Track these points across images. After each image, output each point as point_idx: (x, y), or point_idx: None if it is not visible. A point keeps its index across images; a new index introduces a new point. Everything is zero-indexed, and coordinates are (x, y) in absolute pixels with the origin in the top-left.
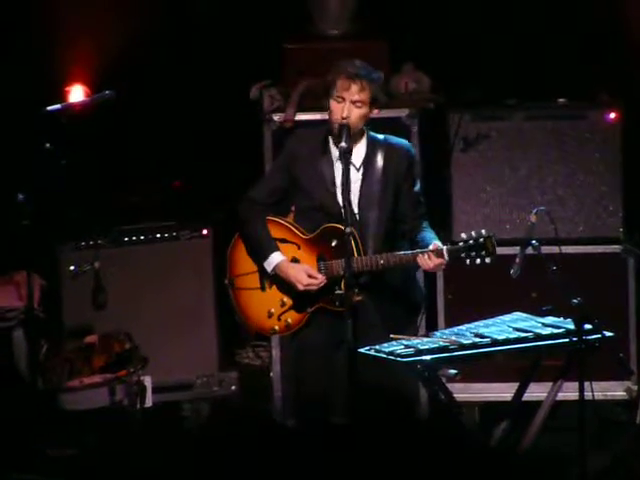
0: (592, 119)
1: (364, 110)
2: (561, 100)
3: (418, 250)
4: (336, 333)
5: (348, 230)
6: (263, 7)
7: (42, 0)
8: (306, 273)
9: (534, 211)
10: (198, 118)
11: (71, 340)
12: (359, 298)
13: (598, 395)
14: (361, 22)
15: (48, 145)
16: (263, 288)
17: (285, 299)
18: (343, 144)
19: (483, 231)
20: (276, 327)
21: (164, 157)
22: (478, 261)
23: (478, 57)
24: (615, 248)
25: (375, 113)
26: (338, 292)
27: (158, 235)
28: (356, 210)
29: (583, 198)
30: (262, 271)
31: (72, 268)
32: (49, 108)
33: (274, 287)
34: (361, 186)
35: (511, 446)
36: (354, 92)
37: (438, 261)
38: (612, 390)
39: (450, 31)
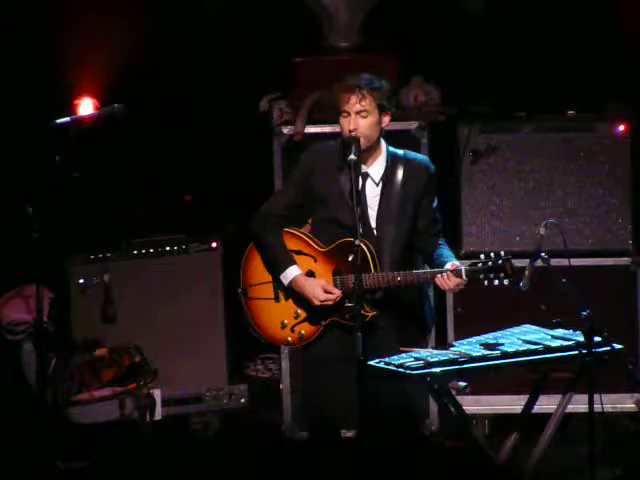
0: (601, 131)
1: (371, 119)
2: (570, 112)
3: (437, 270)
4: (349, 347)
5: (357, 242)
6: (273, 20)
7: (52, 13)
8: (322, 289)
9: (543, 223)
10: (208, 131)
11: (81, 353)
12: (373, 314)
13: (608, 407)
14: (371, 35)
15: (57, 158)
16: (277, 299)
17: (299, 311)
18: (352, 156)
19: (502, 252)
20: (289, 338)
21: (173, 170)
22: (496, 282)
23: (487, 70)
24: (624, 260)
25: (386, 122)
26: (348, 305)
27: (168, 248)
28: (374, 225)
29: (592, 210)
30: (277, 282)
31: (82, 281)
32: (58, 121)
33: (289, 299)
34: (380, 201)
35: (521, 459)
36: (354, 103)
37: (457, 281)
38: (622, 402)
39: (459, 44)
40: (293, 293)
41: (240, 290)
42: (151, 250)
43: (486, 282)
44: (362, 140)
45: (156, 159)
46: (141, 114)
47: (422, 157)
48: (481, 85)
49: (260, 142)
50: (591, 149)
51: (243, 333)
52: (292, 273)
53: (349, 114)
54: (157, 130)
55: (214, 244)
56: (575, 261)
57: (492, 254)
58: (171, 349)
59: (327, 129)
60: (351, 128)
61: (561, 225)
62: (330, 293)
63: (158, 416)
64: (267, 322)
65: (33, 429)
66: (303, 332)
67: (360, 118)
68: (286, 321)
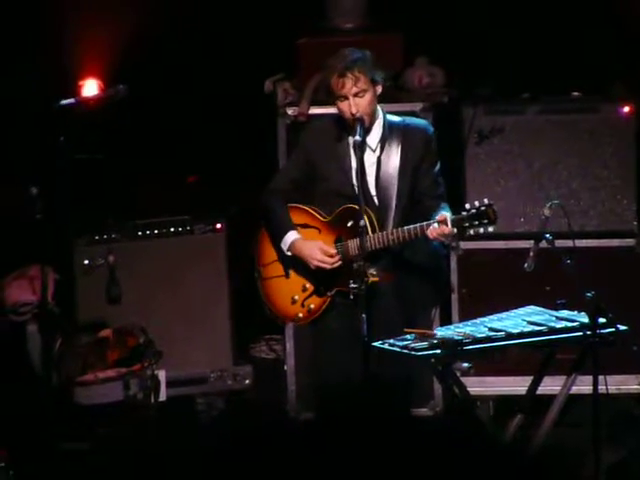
0: (606, 113)
1: (368, 96)
2: (575, 94)
3: (424, 222)
4: (354, 321)
5: (362, 223)
6: (277, 1)
7: None
8: (319, 249)
9: (548, 205)
10: (212, 112)
11: (85, 334)
12: (375, 279)
13: (612, 389)
14: (375, 16)
15: (62, 139)
16: (287, 275)
17: (307, 284)
18: (357, 137)
19: (485, 200)
20: (300, 314)
21: (178, 151)
22: (481, 230)
23: (492, 51)
24: (629, 241)
25: (379, 91)
26: (356, 264)
27: (172, 229)
28: (373, 192)
29: (597, 191)
30: (284, 257)
31: (86, 262)
32: (63, 102)
33: (297, 273)
34: (377, 169)
35: (525, 440)
36: (350, 87)
37: (441, 230)
38: (626, 384)
39: (464, 25)
40: (299, 266)
41: (256, 273)
42: (156, 231)
43: (472, 231)
44: (365, 119)
45: (161, 140)
46: (145, 95)
47: (421, 121)
48: (486, 67)
49: (265, 123)
50: (596, 130)
51: (248, 314)
52: (290, 238)
53: (346, 98)
54: (162, 111)
55: (219, 225)
56: (580, 242)
57: (476, 202)
58: (176, 330)
59: (332, 110)
60: (353, 111)
61: (566, 206)
62: (328, 255)
63: (163, 397)
64: (280, 299)
65: (37, 410)
66: (312, 306)
67: (358, 99)
68: (296, 296)
